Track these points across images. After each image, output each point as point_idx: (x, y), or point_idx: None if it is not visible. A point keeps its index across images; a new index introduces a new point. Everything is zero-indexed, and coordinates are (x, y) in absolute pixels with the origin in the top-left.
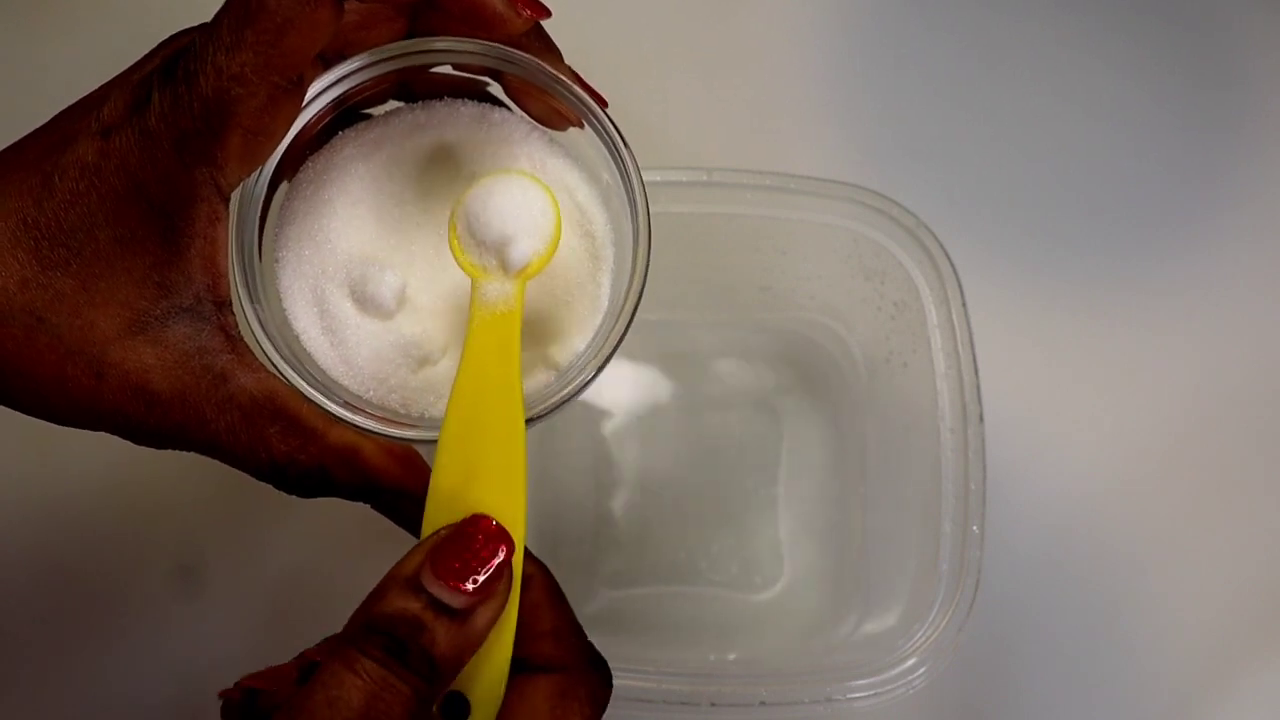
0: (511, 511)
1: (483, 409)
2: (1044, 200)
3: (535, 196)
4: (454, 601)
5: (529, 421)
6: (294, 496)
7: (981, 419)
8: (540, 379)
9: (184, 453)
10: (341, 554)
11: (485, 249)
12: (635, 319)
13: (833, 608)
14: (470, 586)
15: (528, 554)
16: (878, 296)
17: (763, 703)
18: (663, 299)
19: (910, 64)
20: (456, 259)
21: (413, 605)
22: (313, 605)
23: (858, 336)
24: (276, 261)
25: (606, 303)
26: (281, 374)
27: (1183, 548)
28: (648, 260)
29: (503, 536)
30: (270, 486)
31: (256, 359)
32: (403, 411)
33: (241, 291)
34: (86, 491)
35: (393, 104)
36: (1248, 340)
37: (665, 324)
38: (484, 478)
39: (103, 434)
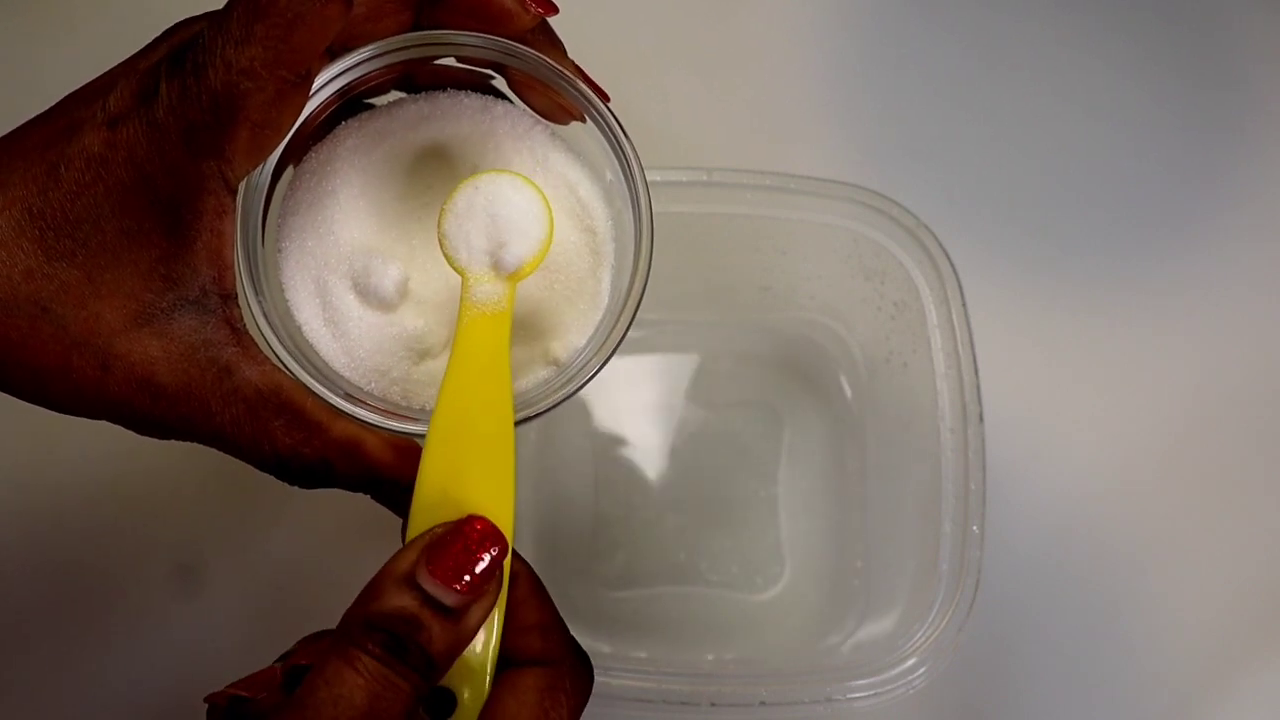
0: (501, 511)
1: (472, 409)
2: (1044, 200)
3: (528, 197)
4: (448, 600)
5: (531, 418)
6: (295, 489)
7: (981, 419)
8: (540, 374)
9: (182, 453)
10: (340, 552)
11: (476, 249)
12: (636, 316)
13: (833, 608)
14: (464, 585)
15: (514, 552)
16: (878, 296)
17: (763, 703)
18: (663, 299)
19: (910, 64)
20: (446, 258)
21: (409, 603)
22: (311, 603)
23: (858, 336)
24: (279, 252)
25: (607, 299)
26: (287, 368)
27: (1183, 548)
28: (650, 256)
29: (496, 537)
30: (269, 482)
31: (261, 352)
32: (403, 404)
33: (247, 286)
34: (85, 491)
35: (395, 94)
36: (1248, 340)
37: (665, 324)
38: (474, 477)
39: (100, 434)
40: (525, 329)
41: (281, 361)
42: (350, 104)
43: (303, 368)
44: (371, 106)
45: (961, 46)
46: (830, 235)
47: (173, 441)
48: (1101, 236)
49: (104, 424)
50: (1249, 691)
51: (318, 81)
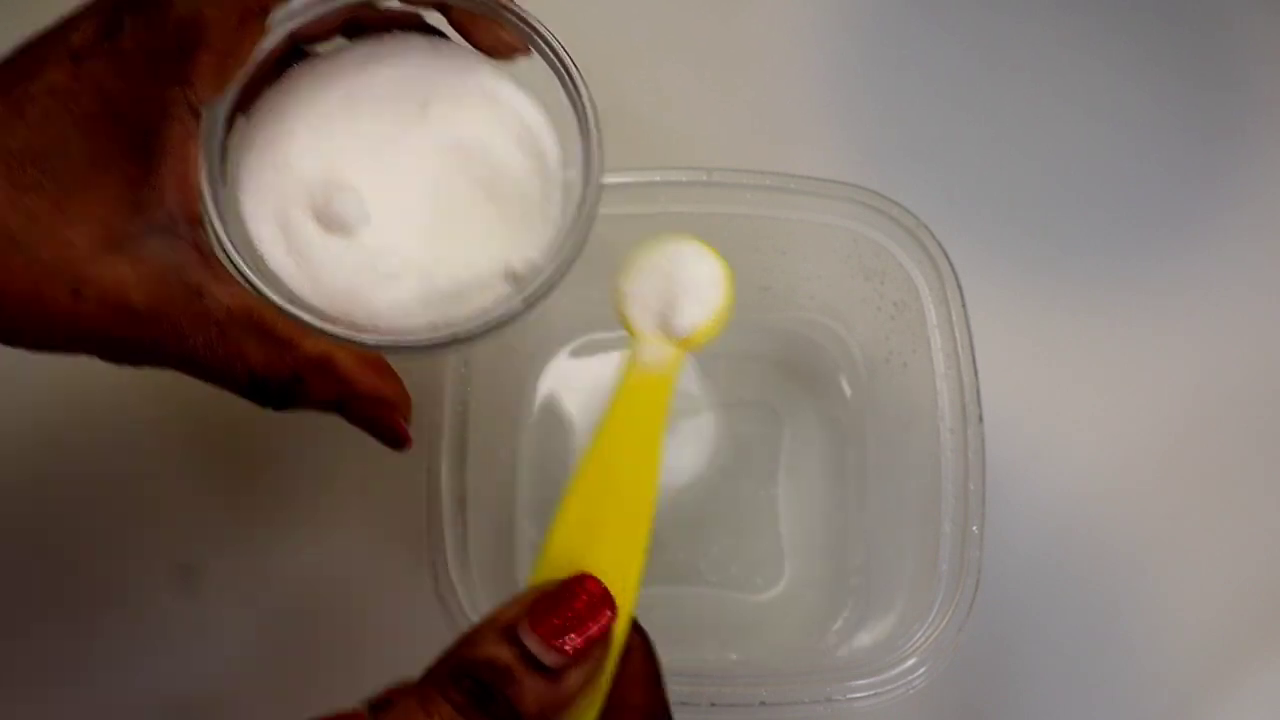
0: (626, 578)
1: (619, 469)
2: (1044, 200)
3: (710, 265)
4: (547, 658)
5: (493, 329)
6: (295, 492)
7: (981, 419)
8: (500, 290)
9: (184, 454)
10: (341, 554)
11: (650, 309)
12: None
13: (833, 608)
14: (568, 646)
15: (634, 625)
16: (878, 296)
17: (763, 703)
18: None
19: (911, 64)
20: (619, 315)
21: (505, 654)
22: (313, 605)
23: (858, 336)
24: (239, 189)
25: (558, 215)
26: (254, 286)
27: (1183, 548)
28: (601, 169)
29: (608, 601)
30: (270, 483)
31: (230, 275)
32: (369, 326)
33: (211, 209)
34: (86, 491)
35: (340, 41)
36: (1248, 340)
37: None
38: (604, 540)
39: (100, 433)
40: (484, 249)
41: (250, 282)
42: (297, 52)
43: (271, 287)
44: (317, 55)
45: (962, 47)
46: (830, 235)
47: (174, 444)
48: (1101, 236)
49: (105, 423)
50: (1249, 691)
51: (270, 23)
